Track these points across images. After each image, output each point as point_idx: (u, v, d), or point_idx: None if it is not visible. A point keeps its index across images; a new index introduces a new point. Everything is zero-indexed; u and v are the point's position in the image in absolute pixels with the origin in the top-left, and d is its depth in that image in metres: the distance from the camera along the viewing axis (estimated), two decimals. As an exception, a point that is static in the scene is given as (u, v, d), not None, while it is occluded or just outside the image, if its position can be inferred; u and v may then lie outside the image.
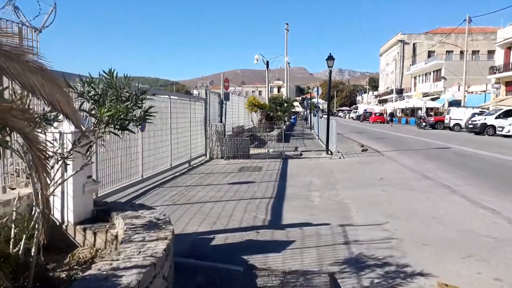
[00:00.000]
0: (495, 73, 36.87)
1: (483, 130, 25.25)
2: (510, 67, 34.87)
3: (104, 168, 6.77)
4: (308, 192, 8.14)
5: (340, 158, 14.01)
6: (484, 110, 31.29)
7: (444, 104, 42.39)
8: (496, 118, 25.01)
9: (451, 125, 31.18)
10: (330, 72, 14.77)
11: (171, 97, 10.48)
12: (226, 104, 15.87)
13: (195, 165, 12.59)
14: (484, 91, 39.71)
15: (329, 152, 14.93)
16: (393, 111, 57.78)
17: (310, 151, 15.98)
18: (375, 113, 55.55)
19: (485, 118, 25.46)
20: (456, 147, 17.04)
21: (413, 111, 52.54)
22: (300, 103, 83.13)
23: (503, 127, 23.49)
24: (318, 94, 21.15)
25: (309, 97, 49.80)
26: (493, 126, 24.86)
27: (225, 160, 13.92)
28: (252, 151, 14.97)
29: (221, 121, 14.94)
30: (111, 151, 7.06)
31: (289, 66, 64.49)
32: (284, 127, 32.28)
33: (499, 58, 37.37)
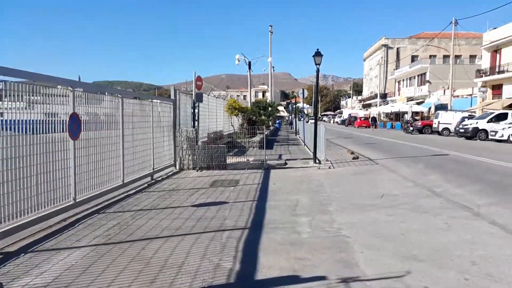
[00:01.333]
0: (481, 76, 35.91)
1: (475, 134, 23.92)
2: (497, 70, 33.90)
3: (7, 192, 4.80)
4: (293, 218, 6.28)
5: (329, 167, 12.22)
6: (473, 114, 30.12)
7: (430, 108, 41.34)
8: (488, 122, 23.72)
9: (440, 129, 29.90)
10: (318, 70, 13.02)
11: (124, 97, 8.51)
12: (199, 106, 13.95)
13: (160, 178, 10.61)
14: (470, 94, 38.75)
15: (317, 161, 13.14)
16: (375, 116, 56.77)
17: (296, 159, 14.17)
18: (360, 118, 54.30)
19: (477, 122, 24.15)
20: (454, 154, 15.47)
21: (397, 115, 51.51)
22: (285, 108, 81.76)
23: (496, 132, 22.16)
24: (304, 96, 19.41)
25: (294, 101, 48.19)
26: (485, 131, 23.55)
27: (197, 171, 11.99)
28: (230, 160, 13.08)
29: (193, 126, 13.01)
30: (21, 166, 5.10)
31: (274, 71, 62.90)
32: (268, 132, 30.50)
33: (485, 61, 36.44)
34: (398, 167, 12.03)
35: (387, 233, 5.37)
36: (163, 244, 4.95)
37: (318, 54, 12.98)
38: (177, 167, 12.35)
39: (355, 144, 21.60)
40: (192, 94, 13.24)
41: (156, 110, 10.84)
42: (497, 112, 24.61)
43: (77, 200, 6.55)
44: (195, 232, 5.48)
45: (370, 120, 51.90)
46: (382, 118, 60.76)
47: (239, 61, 25.66)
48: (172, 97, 12.27)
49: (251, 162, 13.09)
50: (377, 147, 19.73)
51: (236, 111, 20.48)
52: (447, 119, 29.54)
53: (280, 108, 73.37)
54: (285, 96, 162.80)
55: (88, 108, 7.21)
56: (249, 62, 25.52)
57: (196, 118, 13.34)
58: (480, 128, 23.69)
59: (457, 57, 60.24)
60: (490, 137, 22.77)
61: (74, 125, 6.48)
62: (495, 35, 34.42)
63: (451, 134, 29.30)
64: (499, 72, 33.09)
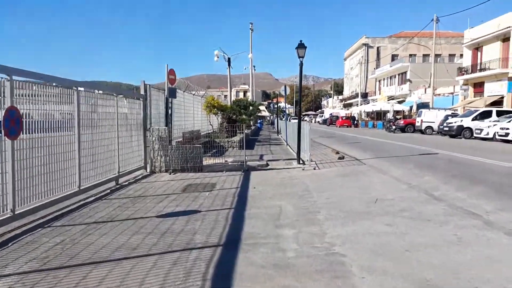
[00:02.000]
0: (463, 74, 35.80)
1: (459, 132, 23.48)
2: (478, 68, 33.81)
3: None
4: (277, 230, 5.31)
5: (314, 168, 11.31)
6: (456, 112, 29.84)
7: (412, 107, 41.15)
8: (473, 120, 23.32)
9: (423, 128, 29.49)
10: (301, 64, 12.11)
11: (79, 89, 7.37)
12: (173, 103, 12.86)
13: (126, 183, 9.48)
14: (452, 93, 38.67)
15: (301, 161, 12.22)
16: (354, 115, 56.62)
17: (278, 160, 13.21)
18: (342, 117, 53.89)
19: (462, 120, 23.72)
20: (443, 153, 14.80)
21: (378, 114, 51.30)
22: (266, 108, 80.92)
23: (481, 130, 21.74)
24: (286, 93, 18.51)
25: (276, 101, 47.28)
26: (470, 129, 23.14)
27: (170, 174, 10.90)
28: (208, 161, 12.02)
29: (166, 125, 11.91)
30: None
31: (255, 70, 62.02)
32: (249, 132, 29.52)
33: (466, 59, 36.37)
34: (387, 167, 11.21)
35: (389, 250, 4.45)
36: (111, 270, 3.89)
37: (301, 46, 12.07)
38: (148, 170, 11.23)
39: (339, 144, 20.82)
40: (164, 90, 12.14)
41: (122, 107, 9.73)
42: (481, 110, 24.25)
43: (16, 212, 5.43)
44: (156, 252, 4.44)
45: (350, 118, 51.58)
46: (363, 117, 60.63)
47: (218, 57, 24.64)
48: (142, 92, 11.14)
49: (229, 163, 12.07)
50: (362, 146, 18.98)
51: (215, 109, 19.40)
52: (430, 118, 29.16)
53: (262, 108, 72.63)
54: (266, 96, 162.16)
55: (32, 101, 6.08)
56: (229, 59, 24.52)
57: (170, 116, 12.25)
58: (465, 126, 23.27)
59: (437, 56, 60.74)
60: (475, 135, 22.34)
61: (12, 121, 5.35)
62: (476, 33, 34.33)
63: (434, 132, 28.92)
64: (480, 70, 32.99)
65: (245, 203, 7.02)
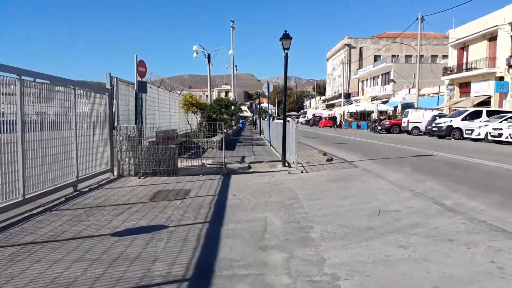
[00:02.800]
0: (448, 74, 35.39)
1: (449, 133, 22.80)
2: (464, 68, 33.44)
3: None
4: (261, 255, 4.14)
5: (302, 172, 10.20)
6: (443, 112, 29.29)
7: (397, 107, 40.65)
8: (463, 120, 22.67)
9: (409, 128, 28.82)
10: (286, 56, 10.98)
11: (23, 78, 6.05)
12: (145, 99, 11.59)
13: (87, 189, 8.17)
14: (437, 93, 38.29)
15: (287, 164, 11.10)
16: (336, 115, 56.16)
17: (261, 162, 12.07)
18: (325, 118, 53.17)
19: (451, 121, 23.04)
20: (438, 154, 13.92)
21: (362, 115, 50.77)
22: (248, 108, 79.72)
23: (472, 130, 21.06)
24: (268, 90, 17.38)
25: (258, 102, 45.96)
26: (460, 129, 22.48)
27: (139, 178, 9.63)
28: (183, 163, 10.77)
29: (136, 123, 10.61)
30: None
31: (236, 70, 60.68)
32: (230, 132, 28.32)
33: (452, 59, 36.00)
34: (382, 170, 10.18)
35: (413, 286, 3.33)
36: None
37: (286, 37, 10.94)
38: (115, 173, 9.92)
39: (325, 144, 19.83)
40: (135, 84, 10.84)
41: (82, 102, 8.42)
42: (471, 110, 23.63)
43: None
44: (95, 294, 3.22)
45: (332, 119, 50.88)
46: (345, 117, 60.12)
47: (197, 53, 23.33)
48: (108, 86, 9.82)
49: (207, 166, 10.87)
50: (350, 147, 18.02)
51: (193, 107, 18.13)
52: (417, 118, 28.51)
53: (244, 108, 71.44)
54: (248, 96, 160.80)
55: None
56: (209, 55, 23.24)
57: (141, 113, 10.97)
58: (455, 126, 22.58)
59: (420, 56, 60.79)
60: (465, 135, 21.65)
61: None
62: (462, 32, 33.97)
63: (421, 133, 28.29)
64: (466, 70, 32.59)
65: (222, 216, 5.83)
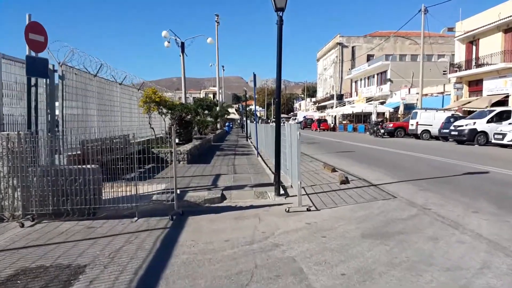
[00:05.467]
0: (456, 71, 31.72)
1: (472, 137, 18.94)
2: (474, 63, 29.80)
3: None
4: None
5: (308, 209, 6.06)
6: (458, 113, 25.49)
7: (398, 108, 36.91)
8: (488, 122, 18.84)
9: (419, 132, 24.96)
10: (281, 20, 6.89)
11: None
12: (61, 89, 7.40)
13: None
14: (442, 92, 34.60)
15: (282, 191, 6.98)
16: (327, 118, 52.65)
17: (243, 187, 7.90)
18: (317, 120, 49.24)
19: (474, 123, 19.18)
20: (494, 170, 9.94)
21: (358, 117, 47.05)
22: (236, 110, 75.40)
23: (503, 134, 17.16)
24: (255, 83, 13.28)
25: (244, 104, 41.56)
26: (485, 133, 18.65)
27: (21, 226, 5.42)
28: (115, 192, 6.50)
29: (30, 127, 6.39)
30: None
31: (224, 70, 56.51)
32: (211, 137, 24.12)
33: (459, 55, 32.35)
34: (444, 207, 6.11)
35: None
36: None
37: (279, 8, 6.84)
38: (-13, 216, 5.67)
39: (326, 153, 15.78)
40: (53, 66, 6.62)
41: None
42: (498, 110, 19.79)
43: None
44: None
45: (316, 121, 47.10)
46: (339, 120, 56.43)
47: (169, 42, 19.13)
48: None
49: (154, 197, 6.67)
50: (360, 158, 13.98)
51: (158, 106, 13.88)
52: (427, 120, 24.68)
53: (231, 110, 67.08)
54: (237, 99, 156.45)
55: None
56: (182, 44, 19.04)
57: (47, 111, 6.76)
58: (479, 130, 18.74)
59: (414, 55, 57.42)
60: (494, 141, 17.77)
61: None
62: (471, 25, 30.33)
63: (432, 137, 24.48)
64: (477, 66, 28.92)
65: None
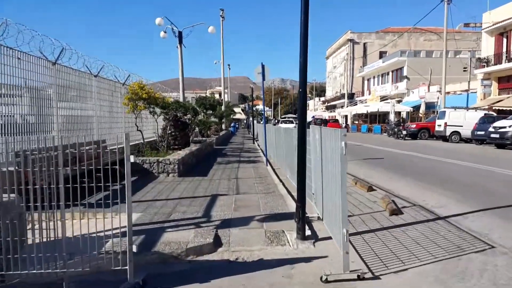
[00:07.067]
0: (483, 66, 28.88)
1: (517, 141, 16.24)
2: (505, 58, 26.96)
3: None
4: None
5: (361, 277, 3.50)
6: (491, 113, 22.68)
7: (419, 108, 34.09)
8: (539, 122, 16.09)
9: (447, 133, 22.20)
10: (306, 10, 4.40)
11: None
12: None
13: None
14: (466, 90, 31.72)
15: (307, 233, 4.45)
16: (338, 118, 50.08)
17: (249, 220, 5.38)
18: (328, 120, 46.52)
19: (521, 124, 16.44)
20: None
21: (372, 117, 44.30)
22: (242, 110, 72.81)
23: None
24: (263, 75, 10.73)
25: (254, 104, 38.84)
26: (534, 136, 15.91)
27: None
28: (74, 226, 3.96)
29: None
30: None
31: (229, 69, 54.01)
32: (213, 140, 21.64)
33: (487, 48, 29.48)
34: None
35: None
36: None
37: None
38: None
39: (350, 160, 13.15)
40: None
41: None
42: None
43: None
44: None
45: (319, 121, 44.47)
46: (351, 119, 53.73)
47: (165, 32, 16.64)
48: None
49: (102, 250, 4.14)
50: (394, 167, 11.39)
51: (147, 104, 11.39)
52: (457, 120, 21.92)
53: (237, 110, 64.45)
54: (243, 99, 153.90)
55: None
56: (180, 33, 16.53)
57: None
58: (528, 132, 16.01)
59: (429, 52, 54.30)
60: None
61: None
62: (500, 15, 27.48)
63: (462, 139, 21.74)
64: (510, 60, 26.09)
65: None
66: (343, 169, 3.53)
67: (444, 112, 22.82)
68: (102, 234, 3.90)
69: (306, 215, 4.87)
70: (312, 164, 5.30)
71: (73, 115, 8.49)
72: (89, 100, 9.47)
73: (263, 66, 11.22)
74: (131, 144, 11.79)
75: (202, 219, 5.34)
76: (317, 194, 5.31)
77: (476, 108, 24.01)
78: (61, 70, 7.78)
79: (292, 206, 6.07)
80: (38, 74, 7.02)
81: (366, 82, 59.94)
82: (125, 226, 3.49)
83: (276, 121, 61.16)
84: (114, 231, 4.01)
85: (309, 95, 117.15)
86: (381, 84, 51.60)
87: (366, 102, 50.95)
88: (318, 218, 5.35)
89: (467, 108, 23.94)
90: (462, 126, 21.62)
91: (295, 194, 7.19)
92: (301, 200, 4.61)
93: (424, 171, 10.35)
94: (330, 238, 4.40)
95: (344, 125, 49.09)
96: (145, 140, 12.92)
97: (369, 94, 55.12)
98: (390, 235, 4.76)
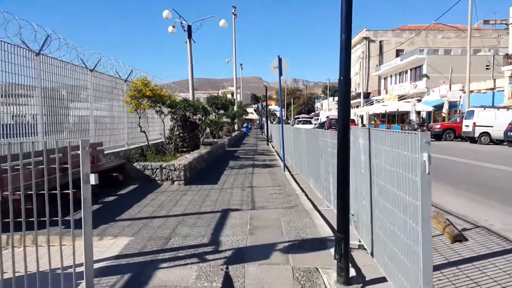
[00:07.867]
0: (511, 63, 27.14)
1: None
2: (536, 53, 25.22)
3: None
4: None
5: None
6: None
7: (442, 107, 32.43)
8: None
9: (476, 134, 20.64)
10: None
11: None
12: None
13: None
14: (492, 88, 29.99)
15: (352, 275, 3.17)
16: (353, 117, 48.54)
17: (270, 250, 4.17)
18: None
19: None
20: None
21: (392, 116, 42.70)
22: (255, 110, 71.55)
23: None
24: (281, 69, 9.52)
25: (265, 103, 37.55)
26: None
27: None
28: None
29: None
30: None
31: (242, 68, 52.95)
32: (225, 141, 20.51)
33: (516, 44, 27.75)
34: None
35: None
36: None
37: None
38: None
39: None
40: None
41: None
42: None
43: None
44: None
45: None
46: (366, 119, 52.08)
47: (174, 26, 15.52)
48: None
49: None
50: (460, 185, 10.01)
51: (153, 103, 10.25)
52: (487, 120, 20.33)
53: (250, 110, 63.20)
54: (256, 99, 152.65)
55: None
56: (189, 27, 15.40)
57: None
58: None
59: (448, 50, 52.26)
60: None
61: None
62: (531, 8, 25.75)
63: (492, 141, 20.16)
64: (542, 56, 24.35)
65: None
66: (426, 197, 2.27)
67: (472, 111, 21.23)
68: (59, 271, 2.73)
69: (350, 252, 3.63)
70: (352, 179, 4.05)
71: (63, 114, 7.37)
72: (83, 97, 8.35)
73: (280, 60, 9.98)
74: (133, 146, 10.70)
75: (208, 248, 4.13)
76: (359, 216, 4.06)
77: (508, 107, 22.36)
78: (46, 61, 6.66)
79: (322, 227, 4.84)
80: (17, 66, 5.91)
81: (382, 81, 58.16)
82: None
83: (289, 121, 59.67)
84: (78, 268, 2.82)
85: (322, 95, 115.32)
86: (399, 83, 49.83)
87: (383, 102, 49.26)
88: (359, 247, 4.11)
89: (497, 107, 22.31)
90: (492, 126, 20.04)
91: (321, 208, 5.97)
92: (343, 228, 3.36)
93: (465, 178, 8.98)
94: (383, 279, 3.16)
95: (360, 125, 47.49)
96: (152, 142, 11.81)
97: (386, 93, 53.37)
98: (462, 275, 3.49)
